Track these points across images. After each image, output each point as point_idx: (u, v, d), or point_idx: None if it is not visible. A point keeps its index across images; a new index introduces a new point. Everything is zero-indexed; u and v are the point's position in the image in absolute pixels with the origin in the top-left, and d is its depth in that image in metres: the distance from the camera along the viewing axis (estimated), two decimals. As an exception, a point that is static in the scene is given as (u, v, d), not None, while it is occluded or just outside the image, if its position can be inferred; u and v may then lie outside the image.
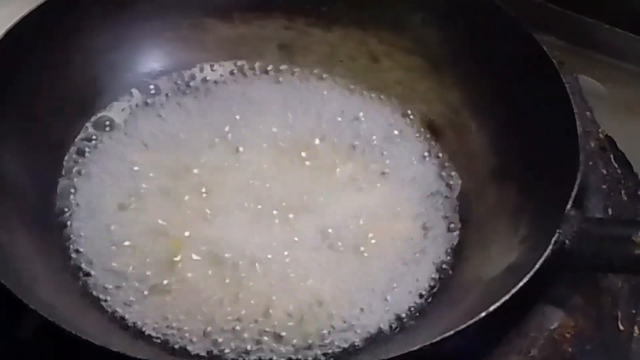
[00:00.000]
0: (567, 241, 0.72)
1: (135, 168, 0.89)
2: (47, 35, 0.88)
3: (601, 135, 0.90)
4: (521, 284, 0.69)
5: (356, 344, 0.76)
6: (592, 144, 0.89)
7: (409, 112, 0.94)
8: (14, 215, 0.79)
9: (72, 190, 0.87)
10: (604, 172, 0.87)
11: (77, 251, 0.82)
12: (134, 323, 0.77)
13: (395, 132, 0.93)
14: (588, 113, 0.91)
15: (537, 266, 0.70)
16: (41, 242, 0.80)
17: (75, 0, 0.90)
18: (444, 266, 0.82)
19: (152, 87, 0.96)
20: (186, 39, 0.98)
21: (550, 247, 0.71)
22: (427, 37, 0.95)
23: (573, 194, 0.74)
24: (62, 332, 0.66)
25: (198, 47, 0.98)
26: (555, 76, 0.83)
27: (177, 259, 0.81)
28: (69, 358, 0.72)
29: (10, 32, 0.84)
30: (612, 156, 0.89)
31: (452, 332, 0.67)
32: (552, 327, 0.75)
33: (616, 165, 0.89)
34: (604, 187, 0.86)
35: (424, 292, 0.80)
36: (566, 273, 0.77)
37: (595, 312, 0.77)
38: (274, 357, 0.75)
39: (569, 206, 0.73)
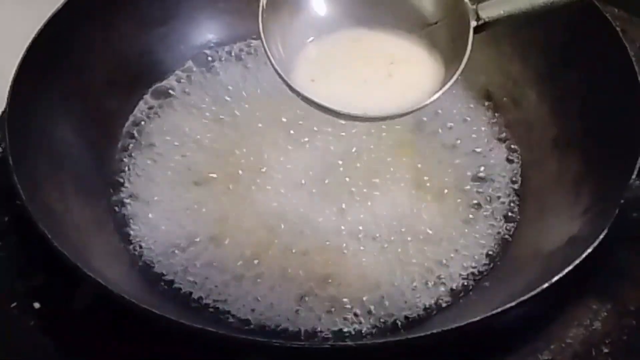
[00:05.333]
0: (631, 211, 0.70)
1: (192, 138, 0.89)
2: (100, 8, 0.89)
3: (666, 105, 0.88)
4: (584, 255, 0.68)
5: (416, 316, 0.76)
6: (657, 114, 0.86)
7: (469, 82, 0.93)
8: (70, 185, 0.79)
9: (128, 161, 0.87)
10: (669, 141, 0.85)
11: (131, 221, 0.83)
12: (187, 292, 0.78)
13: (455, 102, 0.92)
14: (652, 82, 0.89)
15: (600, 237, 0.69)
16: (96, 211, 0.81)
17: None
18: (504, 238, 0.81)
19: (207, 58, 0.96)
20: (240, 11, 0.97)
21: (614, 217, 0.70)
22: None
23: (637, 164, 0.72)
24: (117, 299, 0.66)
25: (252, 18, 0.97)
26: (619, 44, 0.81)
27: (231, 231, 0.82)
28: (123, 326, 0.72)
29: (64, 6, 0.84)
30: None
31: (514, 303, 0.65)
32: (615, 300, 0.73)
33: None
34: (668, 156, 0.83)
35: (483, 264, 0.79)
36: (630, 244, 0.76)
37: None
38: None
39: (634, 176, 0.72)
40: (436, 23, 0.71)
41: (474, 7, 0.68)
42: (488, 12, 0.67)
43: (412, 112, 0.67)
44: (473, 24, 0.67)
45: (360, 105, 0.67)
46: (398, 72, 0.70)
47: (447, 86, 0.66)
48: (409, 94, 0.68)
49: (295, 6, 0.71)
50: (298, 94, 0.67)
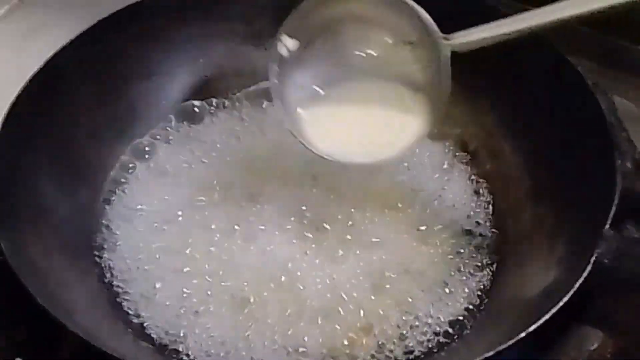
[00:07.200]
0: (605, 261, 0.71)
1: (173, 194, 0.90)
2: (83, 65, 0.89)
3: (637, 156, 0.89)
4: (560, 304, 0.68)
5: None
6: (629, 165, 0.88)
7: (444, 134, 0.94)
8: (52, 240, 0.79)
9: (110, 214, 0.88)
10: (641, 192, 0.86)
11: (114, 276, 0.83)
12: (173, 346, 0.78)
13: (429, 154, 0.93)
14: (624, 133, 0.90)
15: (575, 287, 0.69)
16: (79, 266, 0.81)
17: (110, 31, 0.91)
18: (481, 287, 0.82)
19: (189, 113, 0.97)
20: (221, 66, 0.99)
21: (589, 267, 0.71)
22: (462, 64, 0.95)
23: (611, 214, 0.74)
24: (100, 354, 0.66)
25: (233, 74, 0.99)
26: (590, 96, 0.82)
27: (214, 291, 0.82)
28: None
29: (47, 63, 0.85)
30: (649, 176, 0.88)
31: (492, 353, 0.66)
32: (592, 348, 0.74)
33: (653, 186, 0.88)
34: (641, 207, 0.85)
35: (462, 314, 0.80)
36: (605, 293, 0.77)
37: (635, 332, 0.76)
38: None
39: (607, 227, 0.73)
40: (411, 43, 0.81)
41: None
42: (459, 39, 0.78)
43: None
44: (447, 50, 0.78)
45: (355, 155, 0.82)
46: (384, 121, 0.82)
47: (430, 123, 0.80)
48: (397, 139, 0.81)
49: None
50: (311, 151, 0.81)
